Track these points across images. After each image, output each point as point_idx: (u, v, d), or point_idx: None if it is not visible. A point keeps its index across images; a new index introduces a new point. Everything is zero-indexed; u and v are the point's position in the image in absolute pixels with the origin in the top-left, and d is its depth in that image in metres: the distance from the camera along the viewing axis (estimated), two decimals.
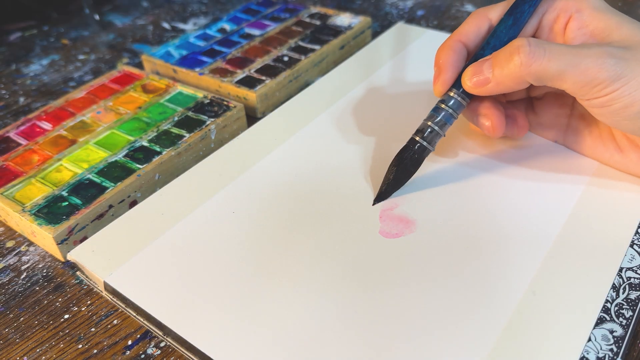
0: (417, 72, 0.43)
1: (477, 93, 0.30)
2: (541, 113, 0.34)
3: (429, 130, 0.31)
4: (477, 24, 0.32)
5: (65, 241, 0.31)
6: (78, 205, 0.33)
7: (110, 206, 0.33)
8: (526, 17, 0.30)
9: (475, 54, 0.31)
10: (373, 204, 0.32)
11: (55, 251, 0.32)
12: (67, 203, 0.33)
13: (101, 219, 0.33)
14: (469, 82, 0.30)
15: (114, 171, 0.35)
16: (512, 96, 0.34)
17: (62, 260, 0.32)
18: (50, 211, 0.32)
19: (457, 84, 0.31)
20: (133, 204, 0.35)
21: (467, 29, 0.32)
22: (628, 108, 0.27)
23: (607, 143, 0.32)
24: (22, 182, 0.35)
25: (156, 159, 0.36)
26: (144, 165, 0.35)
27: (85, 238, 0.32)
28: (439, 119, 0.31)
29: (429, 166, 0.34)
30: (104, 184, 0.34)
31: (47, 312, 0.29)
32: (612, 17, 0.29)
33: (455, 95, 0.31)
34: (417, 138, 0.31)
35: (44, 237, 0.31)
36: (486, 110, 0.31)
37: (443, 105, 0.31)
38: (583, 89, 0.27)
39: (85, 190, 0.34)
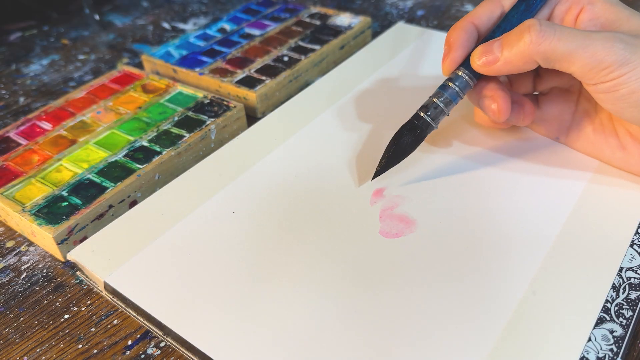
0: (417, 71, 0.43)
1: (486, 72, 0.30)
2: (546, 108, 0.34)
3: (434, 107, 0.31)
4: (490, 8, 0.32)
5: (65, 241, 0.31)
6: (78, 205, 0.33)
7: (110, 206, 0.33)
8: (539, 4, 0.31)
9: (486, 37, 0.31)
10: (372, 179, 0.32)
11: (55, 251, 0.32)
12: (67, 203, 0.33)
13: (101, 219, 0.33)
14: (478, 61, 0.30)
15: (114, 171, 0.35)
16: (518, 89, 0.35)
17: (62, 260, 0.32)
18: (50, 211, 0.32)
19: (465, 63, 0.31)
20: (133, 204, 0.35)
21: (480, 12, 0.32)
22: (634, 94, 0.27)
23: (609, 140, 0.32)
24: (22, 182, 0.35)
25: (156, 159, 0.36)
26: (144, 165, 0.35)
27: (85, 238, 0.32)
28: (445, 96, 0.31)
29: (429, 166, 0.34)
30: (104, 184, 0.34)
31: (47, 312, 0.29)
32: (623, 10, 0.29)
33: (463, 75, 0.31)
34: (422, 114, 0.31)
35: (44, 237, 0.31)
36: (492, 92, 0.31)
37: (450, 84, 0.31)
38: (590, 72, 0.27)
39: (85, 190, 0.34)
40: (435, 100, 0.31)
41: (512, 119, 0.33)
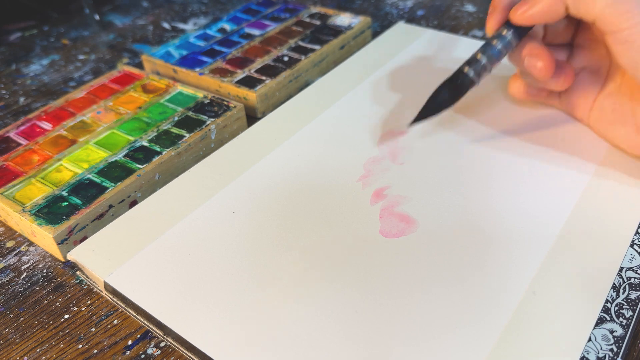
0: (417, 71, 0.43)
1: (521, 21, 0.31)
2: (574, 86, 0.35)
3: (477, 62, 0.32)
4: None
5: (65, 241, 0.31)
6: (78, 205, 0.33)
7: (111, 206, 0.33)
8: None
9: None
10: (409, 125, 0.34)
11: (55, 251, 0.32)
12: (67, 203, 0.33)
13: (101, 219, 0.33)
14: (515, 12, 0.31)
15: (114, 171, 0.35)
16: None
17: (62, 260, 0.32)
18: (51, 211, 0.32)
19: (508, 24, 0.32)
20: (133, 203, 0.35)
21: None
22: None
23: (626, 120, 0.32)
24: (22, 182, 0.35)
25: (156, 159, 0.36)
26: (144, 165, 0.35)
27: (85, 238, 0.32)
28: (488, 53, 0.32)
29: (430, 166, 0.34)
30: (104, 184, 0.34)
31: (47, 312, 0.29)
32: None
33: (506, 34, 0.32)
34: (465, 69, 0.33)
35: (44, 237, 0.31)
36: (537, 51, 0.32)
37: (493, 41, 0.32)
38: (611, 15, 0.27)
39: (85, 190, 0.34)
40: (478, 55, 0.32)
41: (552, 81, 0.33)
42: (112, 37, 0.56)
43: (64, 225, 0.31)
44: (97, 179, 0.34)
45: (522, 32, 0.32)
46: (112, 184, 0.34)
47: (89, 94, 0.43)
